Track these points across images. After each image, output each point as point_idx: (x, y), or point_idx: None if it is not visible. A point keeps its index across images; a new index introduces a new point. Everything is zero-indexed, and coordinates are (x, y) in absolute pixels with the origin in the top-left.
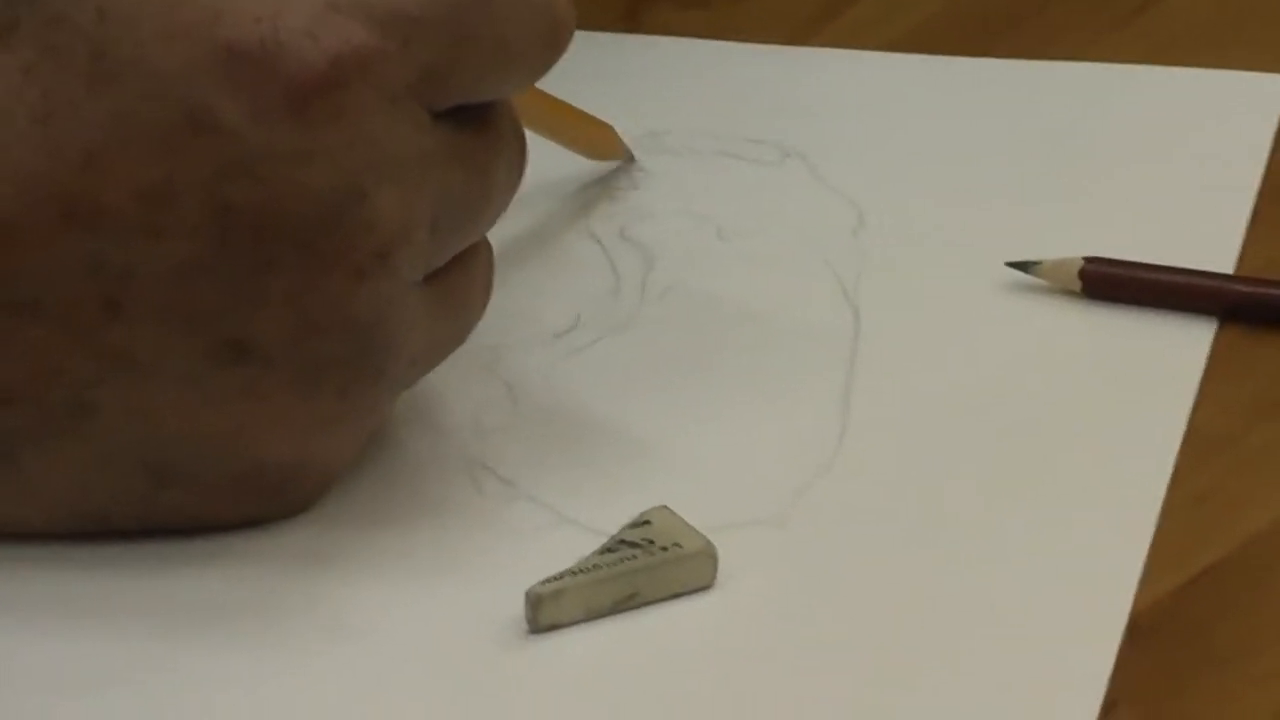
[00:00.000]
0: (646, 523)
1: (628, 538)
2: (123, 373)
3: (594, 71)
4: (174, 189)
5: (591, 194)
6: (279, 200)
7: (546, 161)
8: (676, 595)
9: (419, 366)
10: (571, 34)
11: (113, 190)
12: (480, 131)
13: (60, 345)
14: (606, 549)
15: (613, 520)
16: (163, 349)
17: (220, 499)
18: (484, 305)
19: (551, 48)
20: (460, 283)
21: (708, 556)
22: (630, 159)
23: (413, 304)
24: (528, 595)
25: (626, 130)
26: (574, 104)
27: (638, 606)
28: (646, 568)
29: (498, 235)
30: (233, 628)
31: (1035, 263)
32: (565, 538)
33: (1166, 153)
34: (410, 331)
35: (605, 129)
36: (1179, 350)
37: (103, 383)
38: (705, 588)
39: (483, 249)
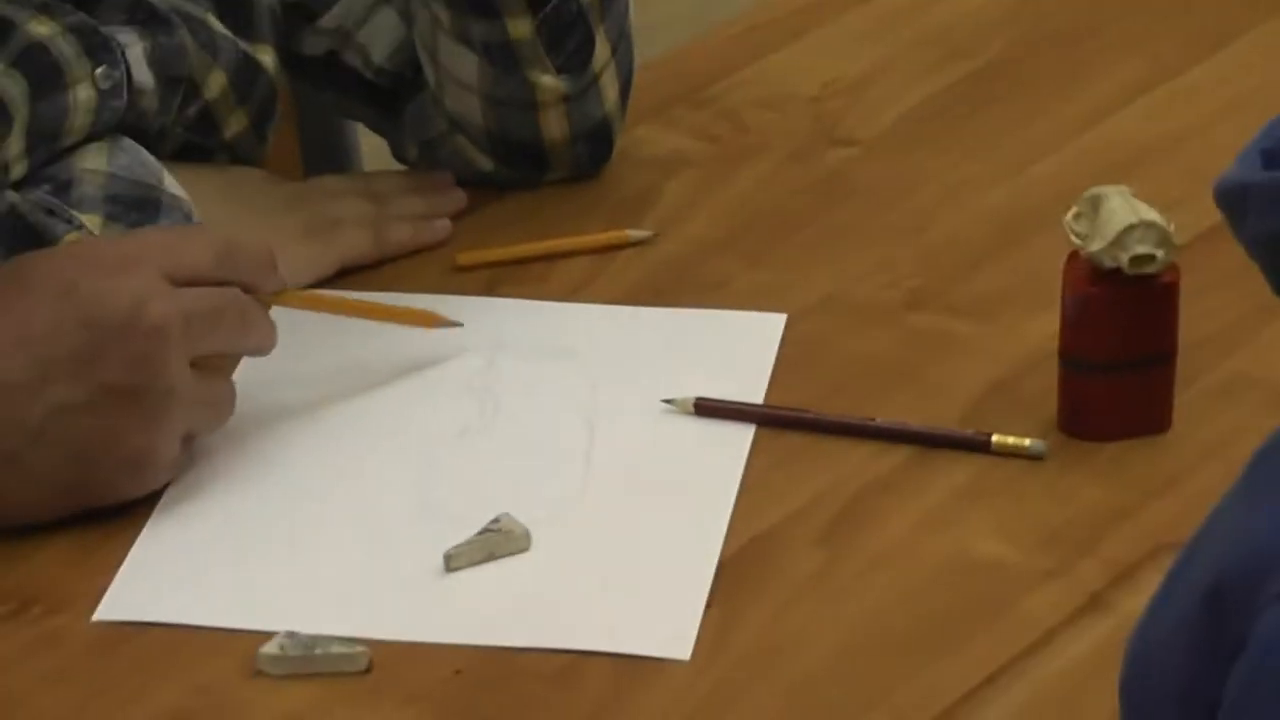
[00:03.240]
0: (498, 520)
1: (490, 527)
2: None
3: (473, 314)
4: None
5: (471, 374)
6: None
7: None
8: (513, 554)
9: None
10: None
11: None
12: None
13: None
14: (479, 532)
15: (483, 520)
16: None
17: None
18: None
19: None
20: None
21: (526, 535)
22: (457, 324)
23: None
24: (445, 554)
25: (485, 344)
26: (458, 325)
27: (496, 559)
28: (498, 541)
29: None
30: None
31: (673, 400)
32: (464, 529)
33: (732, 351)
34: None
35: (426, 313)
36: (737, 440)
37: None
38: (525, 550)
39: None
